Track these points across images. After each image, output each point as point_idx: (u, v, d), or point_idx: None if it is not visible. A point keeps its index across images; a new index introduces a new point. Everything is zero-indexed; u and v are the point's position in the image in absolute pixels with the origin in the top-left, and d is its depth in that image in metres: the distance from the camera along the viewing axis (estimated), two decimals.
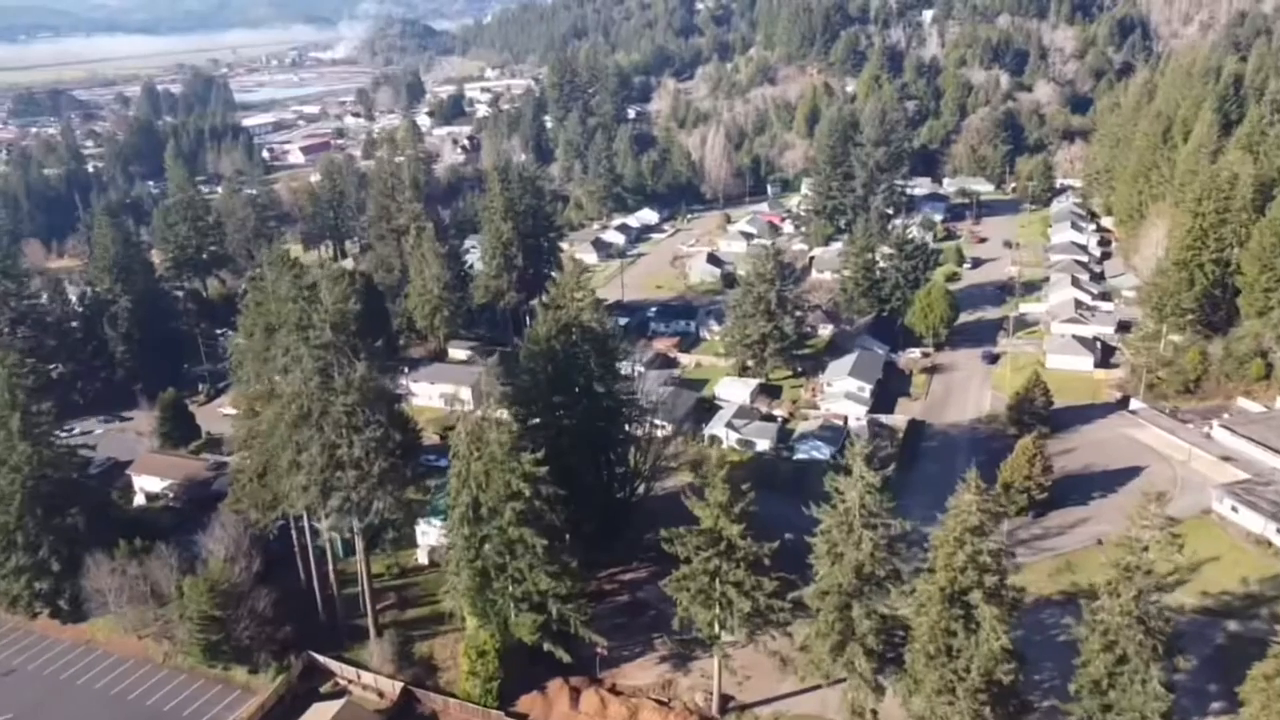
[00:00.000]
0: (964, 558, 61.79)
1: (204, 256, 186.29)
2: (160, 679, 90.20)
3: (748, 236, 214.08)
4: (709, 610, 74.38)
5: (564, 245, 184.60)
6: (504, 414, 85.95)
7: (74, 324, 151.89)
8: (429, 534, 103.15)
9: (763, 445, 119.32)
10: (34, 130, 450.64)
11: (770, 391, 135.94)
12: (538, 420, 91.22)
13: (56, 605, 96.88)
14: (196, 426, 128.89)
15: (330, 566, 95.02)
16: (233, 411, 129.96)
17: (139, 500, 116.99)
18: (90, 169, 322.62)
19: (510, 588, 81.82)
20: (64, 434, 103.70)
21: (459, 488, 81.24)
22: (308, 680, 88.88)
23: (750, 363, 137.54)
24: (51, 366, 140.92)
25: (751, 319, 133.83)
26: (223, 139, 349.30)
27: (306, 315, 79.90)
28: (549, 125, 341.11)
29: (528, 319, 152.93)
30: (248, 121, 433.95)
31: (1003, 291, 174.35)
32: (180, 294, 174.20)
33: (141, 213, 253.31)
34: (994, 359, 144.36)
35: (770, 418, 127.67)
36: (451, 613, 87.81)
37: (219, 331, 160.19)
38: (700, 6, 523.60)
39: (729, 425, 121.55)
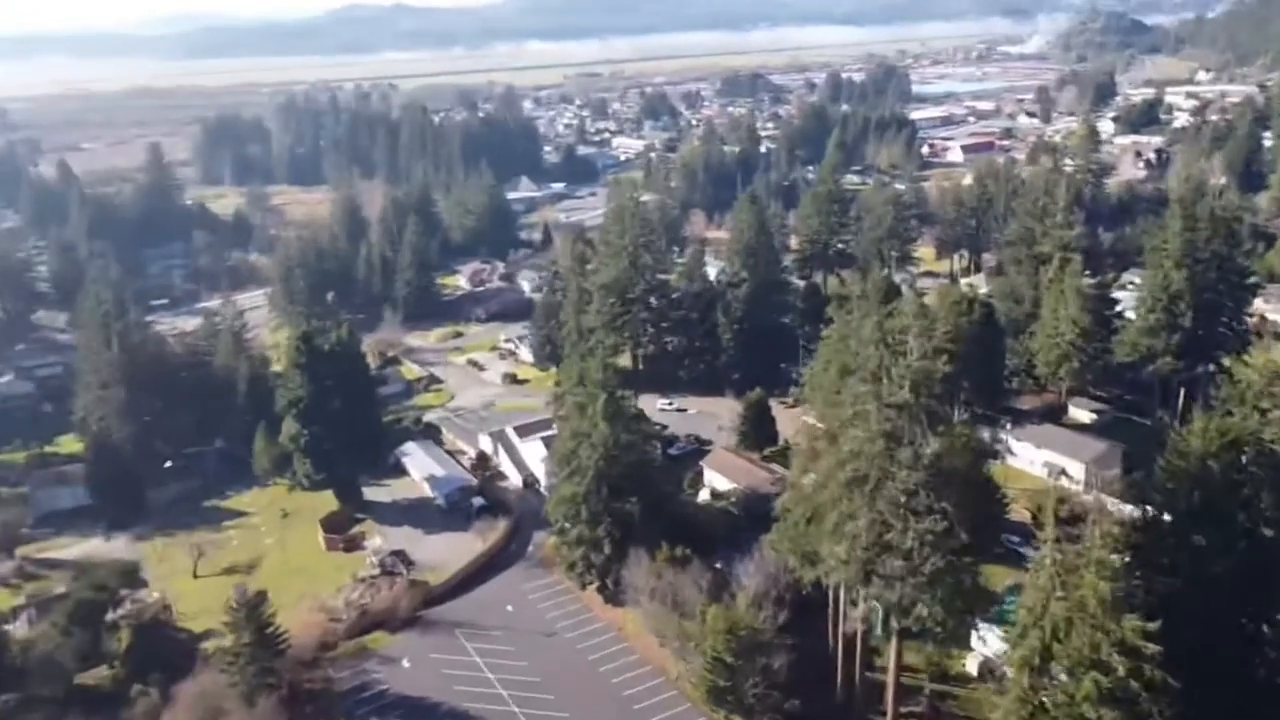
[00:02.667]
0: None
1: (831, 252, 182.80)
2: (667, 699, 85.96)
3: None
4: None
5: (1257, 303, 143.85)
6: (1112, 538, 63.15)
7: (701, 298, 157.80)
8: (988, 641, 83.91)
9: None
10: (730, 110, 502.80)
11: None
12: (1165, 561, 66.39)
13: (603, 582, 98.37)
14: (775, 432, 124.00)
15: (859, 641, 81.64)
16: (809, 423, 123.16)
17: (704, 495, 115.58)
18: (763, 149, 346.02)
19: None
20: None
21: (1029, 623, 61.37)
22: None
23: None
24: (667, 340, 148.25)
25: None
26: (886, 130, 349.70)
27: (885, 366, 65.94)
28: (1267, 144, 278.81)
29: (1183, 393, 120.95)
30: (915, 114, 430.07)
31: None
32: (800, 286, 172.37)
33: (793, 197, 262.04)
34: None
35: None
36: None
37: (824, 335, 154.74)
38: None
39: None
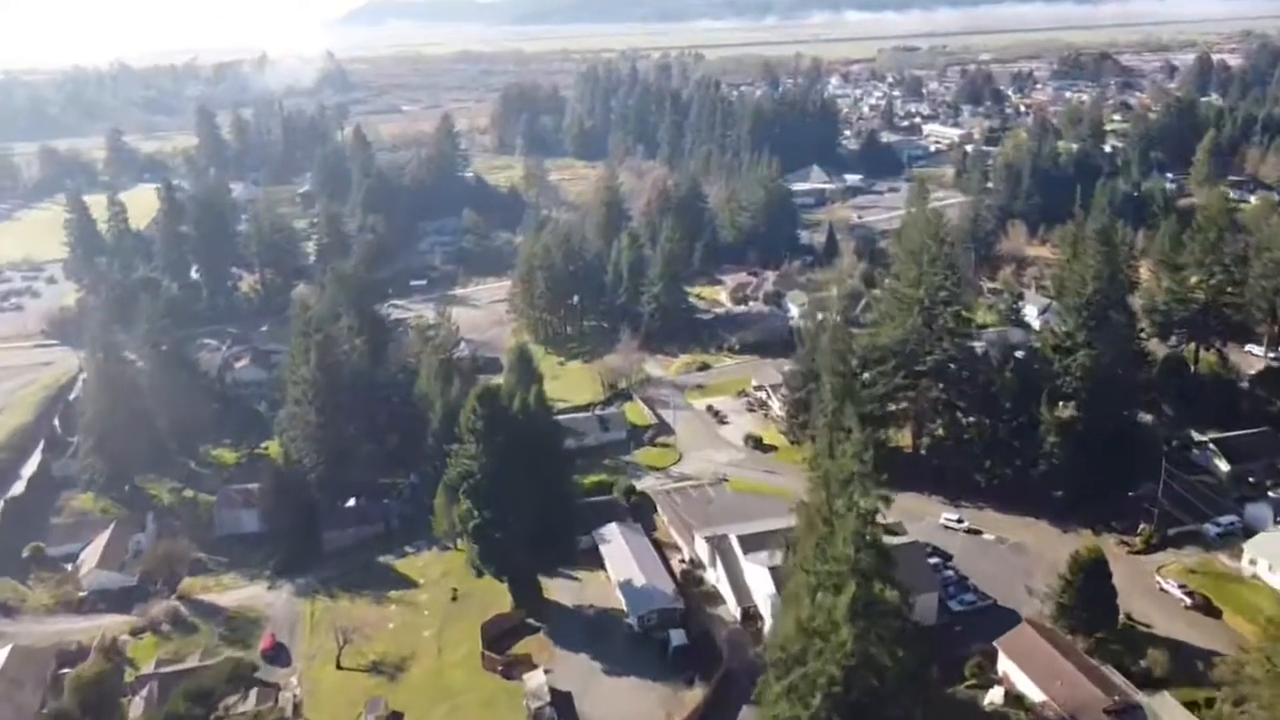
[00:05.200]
0: None
1: (1209, 318, 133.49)
2: None
3: None
4: None
5: None
6: None
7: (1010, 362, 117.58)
8: None
9: None
10: (1066, 95, 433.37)
11: None
12: None
13: None
14: (1115, 606, 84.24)
15: None
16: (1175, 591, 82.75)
17: (994, 695, 79.19)
18: (1107, 148, 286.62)
19: None
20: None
21: None
22: None
23: None
24: (964, 427, 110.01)
25: None
26: (1276, 135, 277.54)
27: None
28: None
29: None
30: None
31: None
32: (1158, 360, 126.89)
33: (1145, 214, 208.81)
34: None
35: None
36: None
37: (1198, 441, 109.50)
38: None
39: None
